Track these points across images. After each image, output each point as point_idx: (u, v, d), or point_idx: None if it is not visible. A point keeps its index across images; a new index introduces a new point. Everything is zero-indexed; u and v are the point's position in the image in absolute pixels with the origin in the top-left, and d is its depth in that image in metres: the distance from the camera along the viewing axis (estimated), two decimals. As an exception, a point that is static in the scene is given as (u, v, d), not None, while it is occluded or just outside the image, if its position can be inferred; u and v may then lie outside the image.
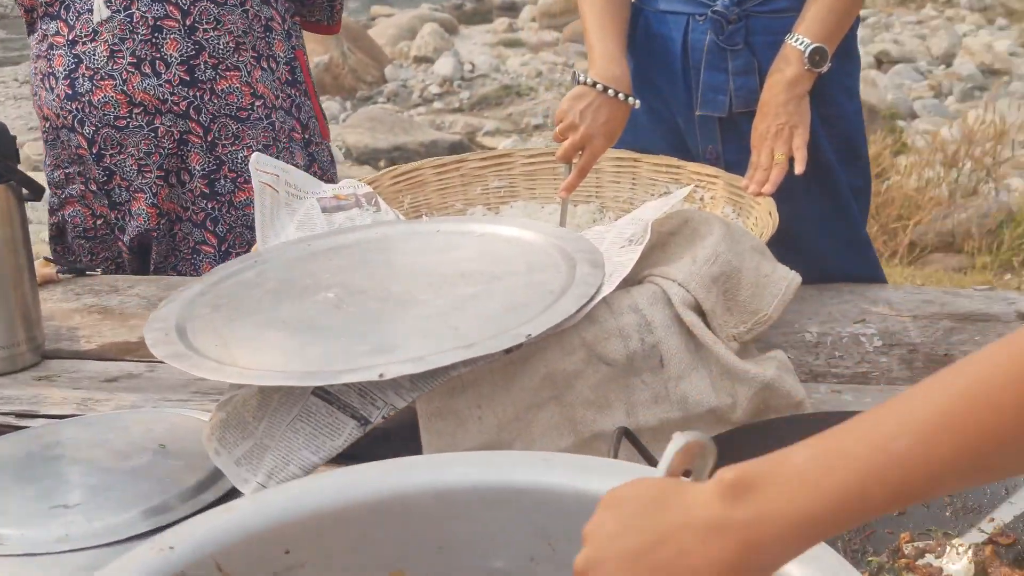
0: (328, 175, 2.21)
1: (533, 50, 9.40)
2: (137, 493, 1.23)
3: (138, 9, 2.03)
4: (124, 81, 2.05)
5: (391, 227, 1.56)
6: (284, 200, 1.68)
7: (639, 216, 1.45)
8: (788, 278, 1.37)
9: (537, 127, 7.69)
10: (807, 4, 1.68)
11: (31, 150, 5.83)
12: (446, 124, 7.90)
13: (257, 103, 2.11)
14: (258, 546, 0.81)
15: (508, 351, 1.20)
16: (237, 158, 2.09)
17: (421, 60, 9.16)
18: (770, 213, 1.57)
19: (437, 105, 8.40)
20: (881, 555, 1.11)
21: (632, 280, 1.34)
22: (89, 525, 1.17)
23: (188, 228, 2.13)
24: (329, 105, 7.35)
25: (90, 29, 2.06)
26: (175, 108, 2.06)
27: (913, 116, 7.16)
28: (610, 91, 1.70)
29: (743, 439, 1.23)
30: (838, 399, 1.48)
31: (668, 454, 0.73)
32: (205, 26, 2.06)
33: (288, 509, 0.83)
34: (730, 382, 1.30)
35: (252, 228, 1.79)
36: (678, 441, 0.73)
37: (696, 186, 1.74)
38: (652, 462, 1.17)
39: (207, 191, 2.10)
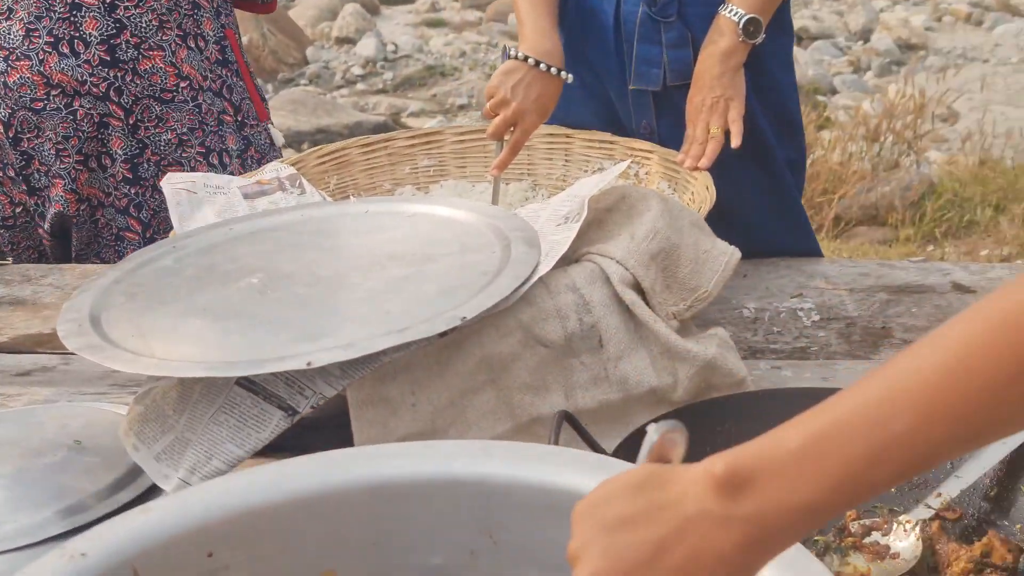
0: (268, 159, 2.12)
1: (456, 30, 9.32)
2: (51, 492, 1.16)
3: None
4: (41, 62, 1.96)
5: (317, 209, 1.50)
6: (204, 197, 1.62)
7: (575, 193, 1.40)
8: (727, 253, 1.33)
9: (462, 107, 7.63)
10: None
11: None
12: (370, 105, 7.81)
13: (183, 84, 2.03)
14: (178, 550, 0.75)
15: (442, 335, 1.16)
16: (160, 141, 2.01)
17: (343, 41, 9.03)
18: (707, 188, 1.54)
19: (360, 87, 8.29)
20: (827, 534, 1.09)
21: (569, 259, 1.30)
22: (0, 528, 1.11)
23: (111, 214, 2.04)
24: (249, 88, 7.18)
25: (4, 7, 1.97)
26: (95, 90, 1.97)
27: (833, 92, 7.22)
28: (542, 65, 1.65)
29: (686, 420, 1.19)
30: (778, 375, 1.46)
31: (644, 450, 0.69)
32: (127, 4, 1.97)
33: (210, 509, 0.77)
34: (671, 361, 1.26)
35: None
36: (653, 434, 0.68)
37: (631, 161, 1.70)
38: (593, 446, 1.13)
39: (129, 176, 2.01)
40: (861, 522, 1.10)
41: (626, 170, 1.71)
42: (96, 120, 1.99)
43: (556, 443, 1.08)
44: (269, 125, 2.21)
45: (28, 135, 1.99)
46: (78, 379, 1.51)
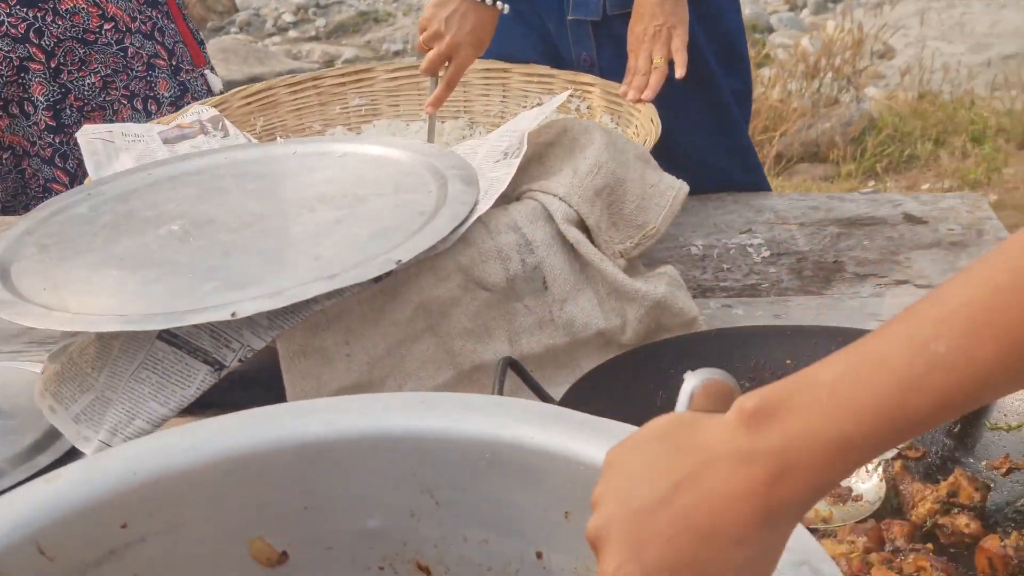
0: None
1: (390, -27, 9.13)
2: (-37, 460, 1.09)
3: None
4: None
5: (242, 151, 1.41)
6: (121, 145, 1.52)
7: (513, 128, 1.33)
8: (675, 187, 1.27)
9: (397, 53, 7.50)
10: None
11: None
12: (303, 53, 7.64)
13: (107, 25, 1.91)
14: (88, 521, 0.68)
15: (377, 280, 1.09)
16: (83, 85, 1.90)
17: (274, -13, 8.81)
18: (652, 120, 1.47)
19: (292, 34, 8.12)
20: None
21: (509, 197, 1.23)
22: (-94, 500, 1.03)
23: (37, 164, 1.94)
24: (178, 36, 6.98)
25: None
26: (13, 31, 1.86)
27: (770, 30, 7.18)
28: (476, -5, 1.57)
29: (636, 362, 1.14)
30: (729, 314, 1.41)
31: (682, 401, 0.62)
32: None
33: (124, 476, 0.70)
34: (619, 302, 1.20)
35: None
36: (690, 382, 0.62)
37: (571, 95, 1.63)
38: (540, 393, 1.07)
39: (52, 124, 1.91)
40: (820, 463, 1.05)
41: (567, 104, 1.63)
42: (15, 64, 1.87)
43: (500, 392, 1.02)
44: (207, 71, 2.10)
45: None
46: (-9, 338, 1.43)
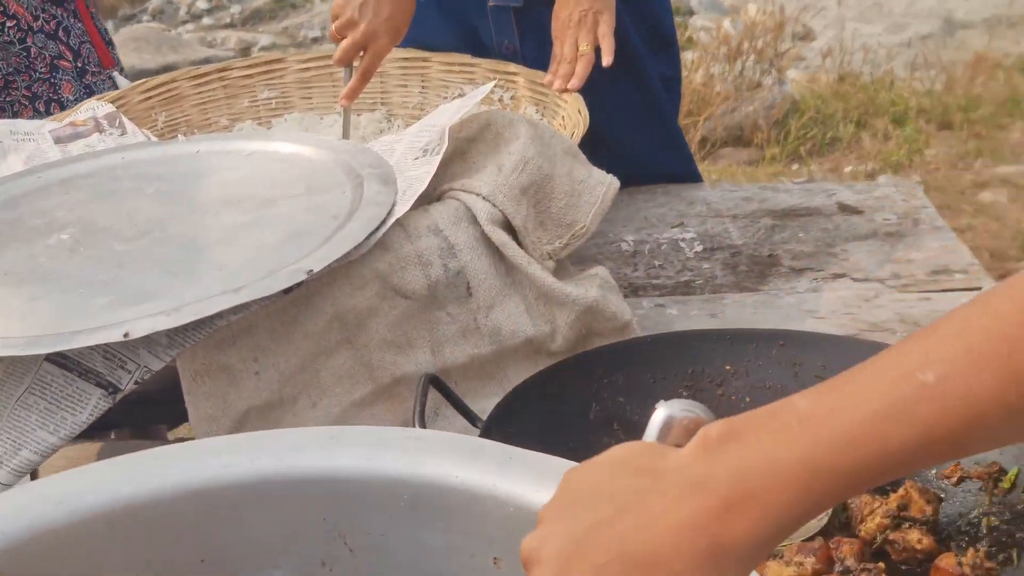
0: None
1: (306, -42, 8.96)
2: None
3: None
4: None
5: (140, 150, 1.32)
6: (10, 146, 1.41)
7: (433, 122, 1.25)
8: (605, 183, 1.20)
9: (315, 40, 7.35)
10: None
11: None
12: (218, 41, 7.46)
13: (9, 23, 1.79)
14: (-53, 592, 0.60)
15: (287, 291, 1.00)
16: None
17: (187, -28, 8.60)
18: (579, 111, 1.40)
19: (207, 21, 7.93)
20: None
21: (430, 197, 1.15)
22: None
23: None
24: (88, 25, 6.77)
25: None
26: None
27: (691, 13, 7.16)
28: (391, -20, 1.49)
29: (568, 373, 1.07)
30: (662, 314, 1.34)
31: (651, 432, 0.57)
32: None
33: (-9, 533, 0.61)
34: (548, 307, 1.13)
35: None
36: (660, 413, 0.56)
37: (495, 85, 1.55)
38: (464, 410, 1.00)
39: None
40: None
41: (490, 95, 1.56)
42: None
43: (422, 411, 0.94)
44: (115, 72, 1.98)
45: None
46: None
